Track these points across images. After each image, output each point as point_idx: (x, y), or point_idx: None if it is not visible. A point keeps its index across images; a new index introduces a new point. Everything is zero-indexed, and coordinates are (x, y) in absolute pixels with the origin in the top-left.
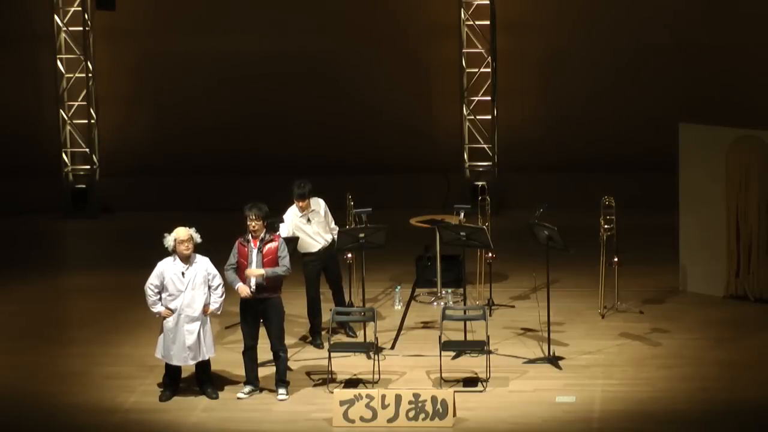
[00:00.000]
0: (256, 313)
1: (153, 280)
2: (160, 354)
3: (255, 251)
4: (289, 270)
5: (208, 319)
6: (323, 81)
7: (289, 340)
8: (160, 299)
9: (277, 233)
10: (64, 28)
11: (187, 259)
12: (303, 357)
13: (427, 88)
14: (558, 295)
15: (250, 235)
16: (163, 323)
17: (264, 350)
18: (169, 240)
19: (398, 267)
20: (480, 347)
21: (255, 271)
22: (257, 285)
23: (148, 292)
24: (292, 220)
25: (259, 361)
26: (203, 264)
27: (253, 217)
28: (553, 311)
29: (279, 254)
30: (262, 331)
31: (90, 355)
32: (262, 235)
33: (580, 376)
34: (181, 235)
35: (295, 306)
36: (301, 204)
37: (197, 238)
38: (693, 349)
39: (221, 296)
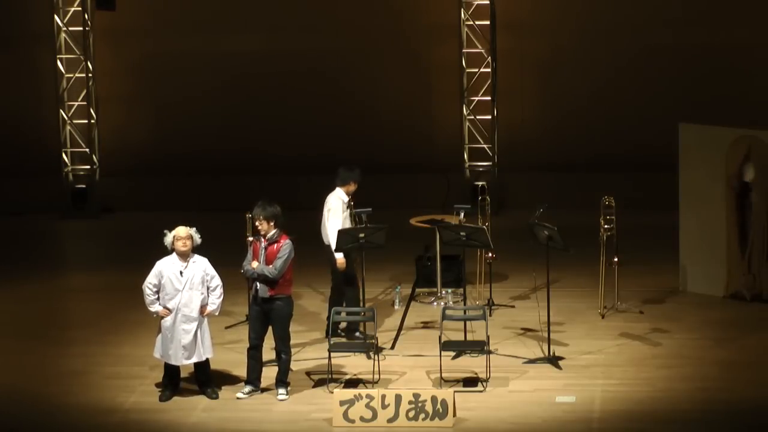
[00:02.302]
0: (263, 312)
1: (151, 279)
2: (159, 354)
3: (262, 249)
4: (274, 272)
5: (206, 319)
6: (323, 81)
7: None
8: (158, 299)
9: (283, 233)
10: (64, 28)
11: (184, 258)
12: (303, 357)
13: (427, 88)
14: (558, 295)
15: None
16: (161, 323)
17: (267, 351)
18: (169, 237)
19: (398, 267)
20: (480, 347)
21: (253, 263)
22: (260, 283)
23: (146, 291)
24: (340, 207)
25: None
26: (202, 264)
27: (256, 218)
28: (553, 311)
29: (277, 255)
30: (269, 332)
31: (90, 355)
32: (270, 234)
33: (580, 376)
34: (180, 232)
35: (296, 305)
36: (351, 188)
37: (197, 238)
38: (693, 349)
39: (219, 297)
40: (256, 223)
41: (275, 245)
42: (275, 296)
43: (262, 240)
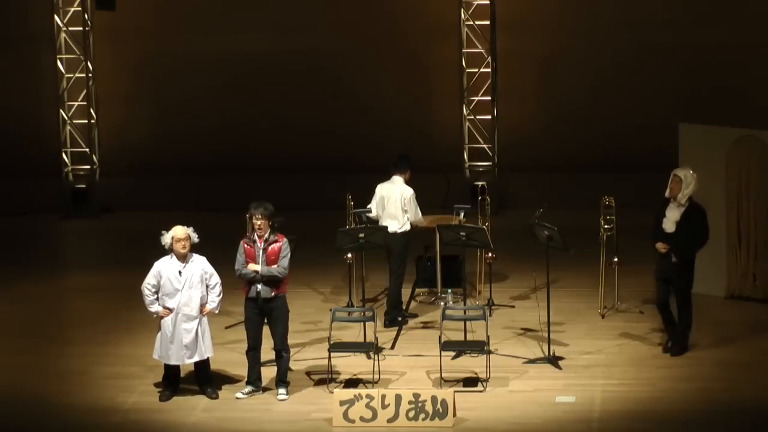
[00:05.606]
0: (261, 313)
1: (150, 280)
2: (158, 355)
3: (261, 251)
4: (284, 271)
5: (206, 318)
6: (323, 81)
7: (289, 340)
8: (158, 299)
9: (277, 232)
10: (64, 28)
11: (183, 258)
12: (303, 357)
13: (427, 88)
14: (558, 295)
15: (255, 235)
16: (162, 323)
17: (265, 350)
18: (167, 238)
19: None
20: (480, 347)
21: (252, 266)
22: (263, 284)
23: (145, 292)
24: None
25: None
26: (200, 263)
27: (259, 216)
28: (553, 311)
29: (280, 254)
30: (266, 332)
31: (90, 355)
32: (266, 235)
33: (580, 376)
34: (179, 233)
35: (296, 305)
36: (407, 176)
37: (195, 237)
38: (693, 349)
39: (219, 295)
40: (258, 222)
41: (275, 245)
42: (277, 295)
43: (258, 241)
